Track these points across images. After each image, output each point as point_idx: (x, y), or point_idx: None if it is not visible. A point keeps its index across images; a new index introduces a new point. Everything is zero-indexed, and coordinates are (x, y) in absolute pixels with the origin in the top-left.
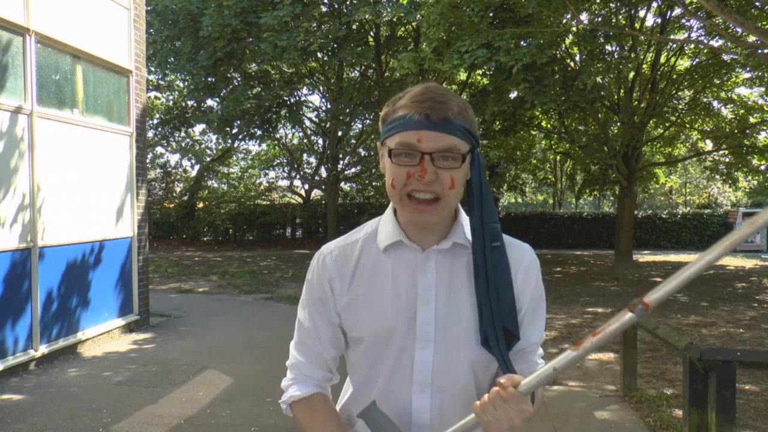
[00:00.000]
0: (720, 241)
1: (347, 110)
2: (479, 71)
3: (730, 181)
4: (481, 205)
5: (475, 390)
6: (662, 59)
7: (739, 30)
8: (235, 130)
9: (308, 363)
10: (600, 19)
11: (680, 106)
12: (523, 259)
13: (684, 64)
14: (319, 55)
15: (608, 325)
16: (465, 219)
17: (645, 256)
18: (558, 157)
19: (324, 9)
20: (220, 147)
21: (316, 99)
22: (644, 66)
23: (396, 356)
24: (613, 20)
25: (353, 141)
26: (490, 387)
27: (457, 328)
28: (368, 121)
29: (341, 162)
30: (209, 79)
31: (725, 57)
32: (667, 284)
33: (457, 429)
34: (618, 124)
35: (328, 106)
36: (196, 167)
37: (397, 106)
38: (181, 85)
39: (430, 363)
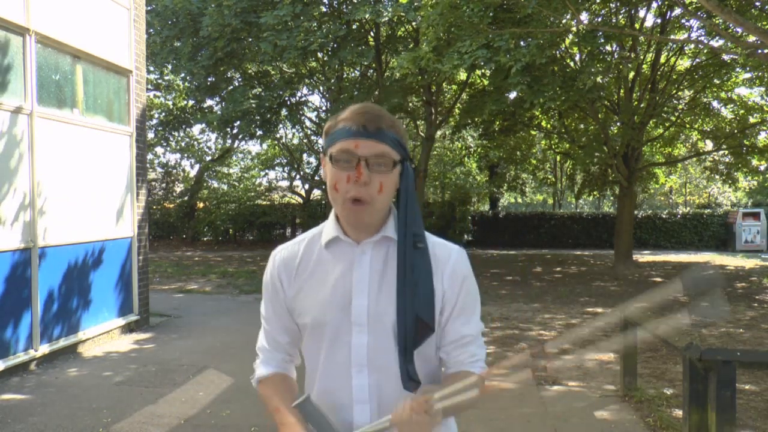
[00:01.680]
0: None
1: None
2: (479, 71)
3: (730, 181)
4: (405, 210)
5: None
6: (662, 59)
7: (739, 30)
8: (235, 131)
9: (269, 347)
10: (600, 19)
11: (680, 106)
12: (450, 257)
13: (684, 64)
14: (319, 54)
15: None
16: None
17: (645, 256)
18: (558, 157)
19: (324, 9)
20: (220, 147)
21: (316, 99)
22: (644, 66)
23: (334, 340)
24: (613, 20)
25: None
26: (424, 375)
27: (387, 316)
28: None
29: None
30: (209, 79)
31: (725, 57)
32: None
33: (375, 426)
34: (618, 124)
35: (328, 106)
36: (196, 167)
37: (339, 119)
38: (181, 85)
39: (365, 346)
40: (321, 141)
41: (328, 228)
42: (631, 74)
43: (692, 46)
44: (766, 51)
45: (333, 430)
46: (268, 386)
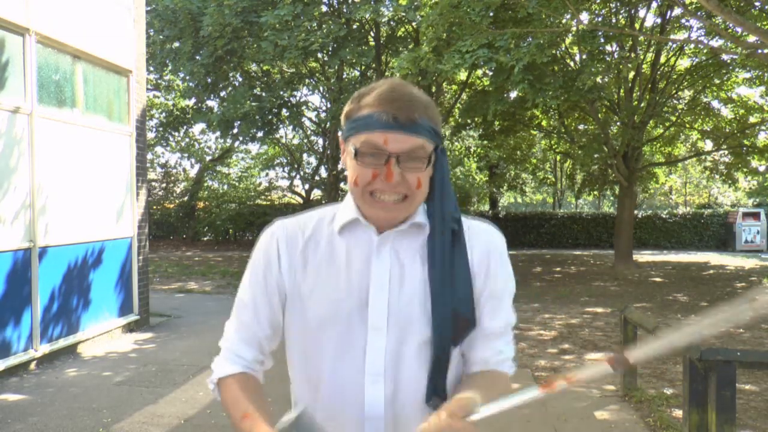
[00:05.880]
0: (709, 315)
1: None
2: (479, 71)
3: (729, 182)
4: (441, 198)
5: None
6: (662, 59)
7: (739, 30)
8: (235, 131)
9: (240, 341)
10: (600, 19)
11: (680, 106)
12: (479, 237)
13: (684, 64)
14: (320, 54)
15: (582, 374)
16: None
17: (645, 256)
18: (558, 157)
19: (324, 8)
20: (220, 147)
21: (316, 99)
22: (644, 66)
23: (346, 344)
24: (613, 20)
25: None
26: (450, 383)
27: (410, 316)
28: None
29: (341, 162)
30: (209, 79)
31: (725, 57)
32: (649, 346)
33: None
34: (618, 124)
35: (328, 106)
36: (196, 167)
37: (362, 104)
38: (181, 84)
39: (383, 352)
40: (321, 141)
41: (344, 209)
42: (631, 74)
43: (692, 46)
44: (766, 51)
45: None
46: (232, 387)
